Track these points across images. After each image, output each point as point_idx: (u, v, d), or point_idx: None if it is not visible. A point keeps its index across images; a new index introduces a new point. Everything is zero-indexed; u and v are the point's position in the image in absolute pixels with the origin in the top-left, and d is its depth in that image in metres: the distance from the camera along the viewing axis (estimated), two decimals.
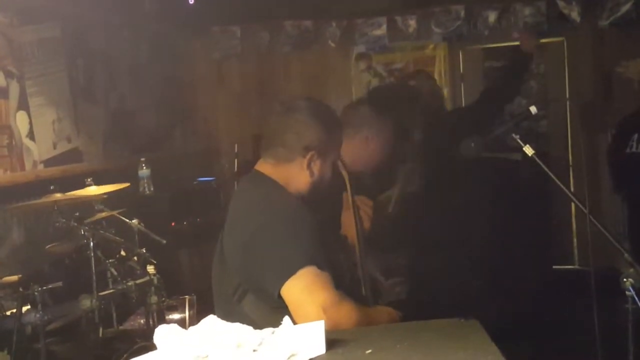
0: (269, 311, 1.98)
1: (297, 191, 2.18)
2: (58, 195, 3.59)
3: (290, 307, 1.93)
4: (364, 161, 2.75)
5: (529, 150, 2.25)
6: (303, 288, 1.93)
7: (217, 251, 2.20)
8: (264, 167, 2.21)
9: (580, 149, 5.77)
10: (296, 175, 2.17)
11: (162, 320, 3.71)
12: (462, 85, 6.44)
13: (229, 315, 1.69)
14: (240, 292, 2.07)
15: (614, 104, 5.96)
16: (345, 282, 2.12)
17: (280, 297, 1.96)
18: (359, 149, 2.74)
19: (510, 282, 4.71)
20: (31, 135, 4.43)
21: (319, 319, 1.76)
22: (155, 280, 3.68)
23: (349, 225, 2.39)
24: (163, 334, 1.63)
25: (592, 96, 6.08)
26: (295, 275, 1.94)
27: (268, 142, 2.23)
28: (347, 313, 1.95)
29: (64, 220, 3.56)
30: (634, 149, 4.97)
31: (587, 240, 2.26)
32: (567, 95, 6.18)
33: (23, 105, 4.37)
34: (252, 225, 2.07)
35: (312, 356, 1.58)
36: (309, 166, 2.16)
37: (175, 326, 1.65)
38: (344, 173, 2.27)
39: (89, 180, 3.95)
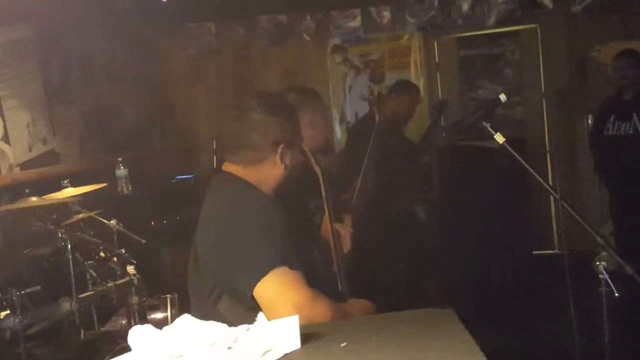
0: (245, 312, 1.96)
1: (271, 188, 2.16)
2: (34, 200, 3.55)
3: (264, 308, 1.92)
4: (314, 141, 2.80)
5: (499, 138, 2.26)
6: (275, 288, 1.93)
7: (191, 253, 2.19)
8: (233, 168, 2.18)
9: (552, 134, 5.82)
10: (269, 172, 2.16)
11: (144, 320, 3.69)
12: (437, 74, 6.46)
13: (206, 317, 1.68)
14: (215, 294, 2.06)
15: (589, 88, 6.01)
16: (320, 280, 2.11)
17: (253, 297, 1.96)
18: (307, 129, 2.79)
19: (490, 268, 4.75)
20: (6, 138, 4.39)
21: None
22: (136, 280, 3.67)
23: (325, 223, 2.39)
24: (137, 334, 1.63)
25: (567, 81, 6.12)
26: (267, 275, 1.93)
27: (232, 147, 2.18)
28: (321, 310, 1.95)
29: (41, 223, 3.54)
30: (610, 132, 5.00)
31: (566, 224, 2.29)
32: (542, 81, 6.22)
33: None
34: (223, 226, 2.06)
35: (288, 351, 1.58)
36: (282, 159, 2.15)
37: (149, 326, 1.65)
38: (317, 169, 2.27)
39: (65, 182, 3.93)
